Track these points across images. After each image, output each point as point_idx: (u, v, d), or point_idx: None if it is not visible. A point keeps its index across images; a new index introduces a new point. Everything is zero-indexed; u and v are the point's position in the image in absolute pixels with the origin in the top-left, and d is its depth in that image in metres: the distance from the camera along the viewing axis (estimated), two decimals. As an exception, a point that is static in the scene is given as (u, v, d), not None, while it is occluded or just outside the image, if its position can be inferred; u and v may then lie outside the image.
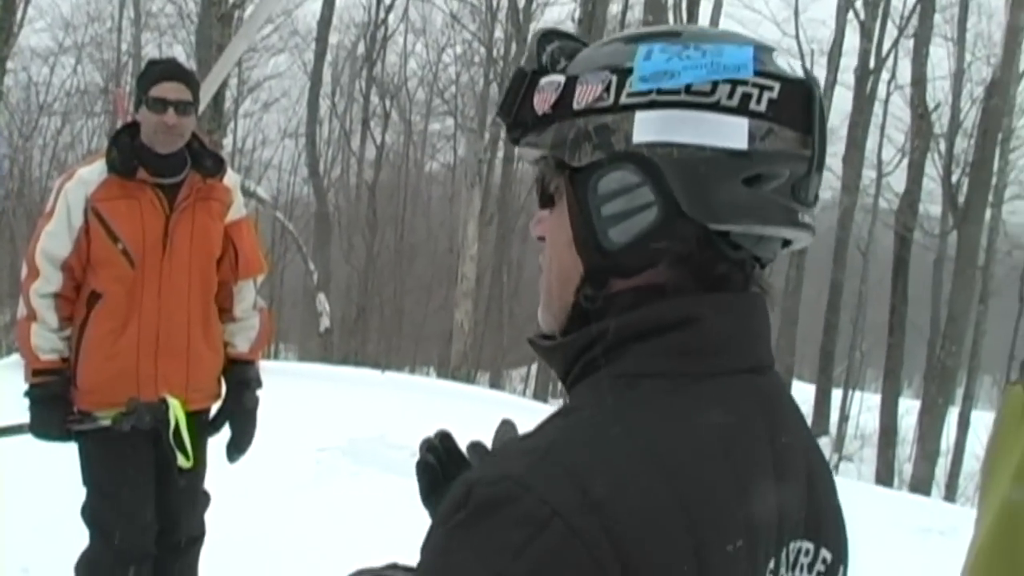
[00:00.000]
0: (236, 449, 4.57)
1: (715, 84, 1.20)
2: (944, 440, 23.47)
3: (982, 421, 22.74)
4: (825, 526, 1.32)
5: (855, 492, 12.05)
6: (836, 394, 31.36)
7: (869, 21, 29.08)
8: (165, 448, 4.32)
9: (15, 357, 11.59)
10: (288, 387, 10.77)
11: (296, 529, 6.64)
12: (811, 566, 1.29)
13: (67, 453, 4.38)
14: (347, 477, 8.11)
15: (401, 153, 39.24)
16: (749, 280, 1.28)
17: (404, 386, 14.73)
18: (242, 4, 21.24)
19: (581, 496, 1.07)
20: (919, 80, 24.97)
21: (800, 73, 1.26)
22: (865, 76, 29.26)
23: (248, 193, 22.21)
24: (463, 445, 1.68)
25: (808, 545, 1.29)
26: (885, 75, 30.33)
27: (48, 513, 5.79)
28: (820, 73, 30.31)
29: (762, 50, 1.25)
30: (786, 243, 1.32)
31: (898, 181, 28.71)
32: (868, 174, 30.93)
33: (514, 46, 33.23)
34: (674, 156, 1.20)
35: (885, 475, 24.26)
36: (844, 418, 30.52)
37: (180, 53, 30.34)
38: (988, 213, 25.28)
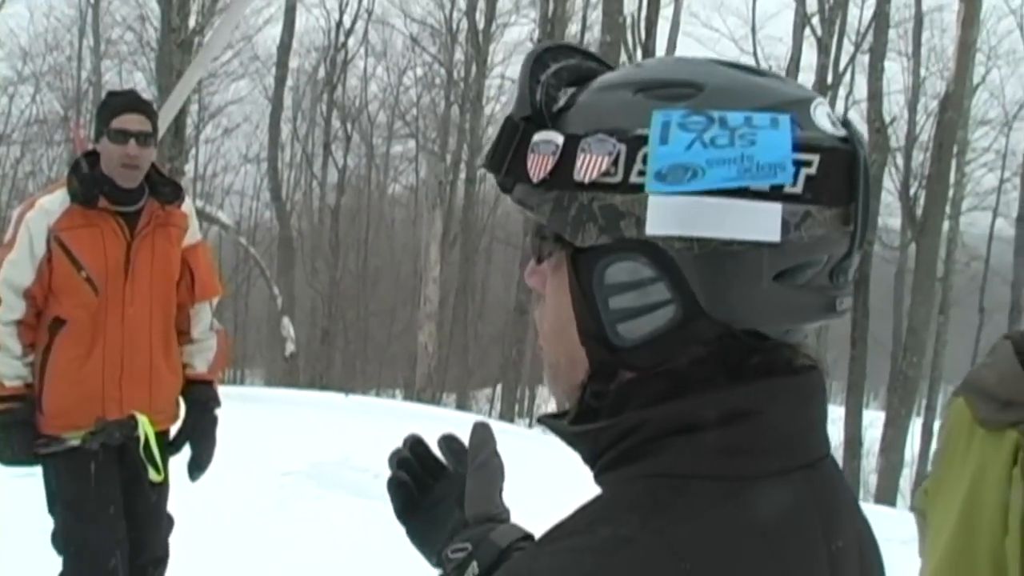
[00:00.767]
0: (197, 467, 4.63)
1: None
2: (908, 451, 23.63)
3: (945, 431, 22.96)
4: None
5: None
6: (801, 408, 31.52)
7: (826, 37, 29.33)
8: (135, 463, 4.39)
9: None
10: (253, 412, 10.77)
11: (260, 552, 6.65)
12: None
13: (30, 491, 4.39)
14: (311, 500, 8.11)
15: (363, 176, 39.28)
16: (794, 361, 1.11)
17: (369, 409, 14.73)
18: (201, 31, 21.25)
19: None
20: (875, 95, 25.13)
21: (841, 131, 1.07)
22: (823, 91, 29.45)
23: (210, 219, 22.18)
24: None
25: None
26: (843, 91, 30.68)
27: (17, 550, 5.77)
28: (778, 89, 30.62)
29: (800, 108, 1.06)
30: None
31: (859, 195, 28.94)
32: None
33: (474, 67, 33.34)
34: (694, 251, 1.02)
35: (851, 487, 24.40)
36: (809, 431, 30.67)
37: (140, 80, 30.33)
38: (946, 225, 25.51)
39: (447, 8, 35.79)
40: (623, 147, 1.04)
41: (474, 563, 1.43)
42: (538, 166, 1.08)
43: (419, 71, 38.26)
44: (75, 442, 4.28)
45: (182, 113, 17.98)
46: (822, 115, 1.06)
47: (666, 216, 1.02)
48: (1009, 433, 2.50)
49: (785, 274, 1.03)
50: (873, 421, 25.74)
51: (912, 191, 26.78)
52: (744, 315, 1.05)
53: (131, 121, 4.24)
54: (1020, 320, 25.40)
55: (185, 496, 4.67)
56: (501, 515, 1.49)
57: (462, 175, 32.82)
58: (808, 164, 1.02)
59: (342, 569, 6.37)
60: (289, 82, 33.55)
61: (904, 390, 23.17)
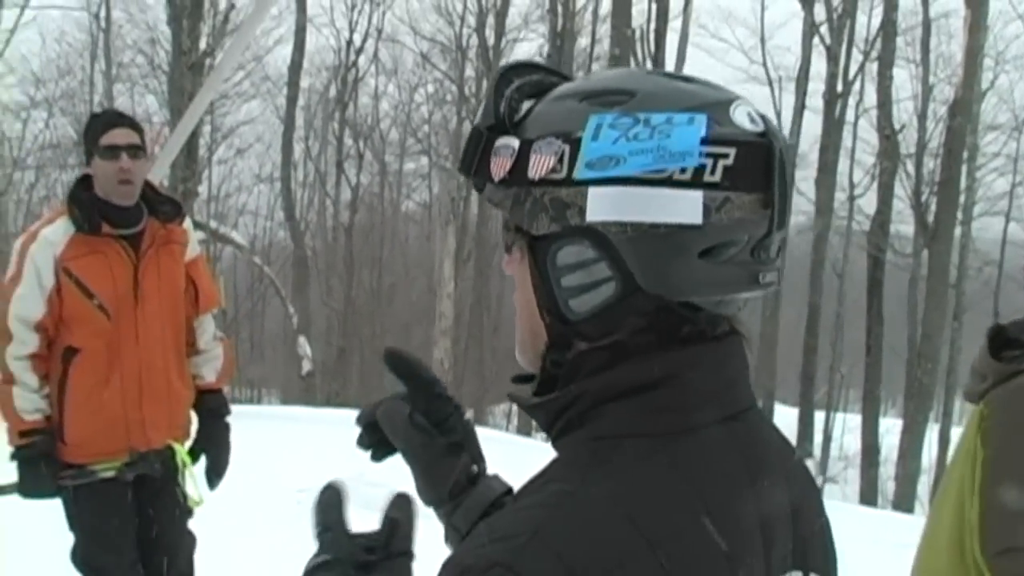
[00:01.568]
0: (216, 474, 4.67)
1: None
2: (925, 457, 23.60)
3: (962, 437, 22.88)
4: (812, 552, 1.35)
5: (840, 513, 12.11)
6: (819, 416, 31.45)
7: (835, 46, 29.36)
8: (174, 492, 4.47)
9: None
10: (270, 430, 10.84)
11: (278, 567, 6.69)
12: None
13: (47, 505, 4.44)
14: (328, 516, 8.15)
15: (376, 193, 39.31)
16: (717, 329, 1.27)
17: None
18: (212, 53, 21.38)
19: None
20: (884, 102, 25.19)
21: (760, 126, 1.22)
22: (833, 100, 29.51)
23: (225, 239, 22.31)
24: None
25: (797, 574, 1.32)
26: (852, 99, 30.64)
27: (39, 563, 5.84)
28: (788, 99, 30.70)
29: (719, 108, 1.22)
30: None
31: (869, 203, 28.95)
32: (840, 196, 31.17)
33: (485, 83, 33.41)
34: (628, 234, 1.19)
35: (869, 494, 24.38)
36: (827, 440, 30.62)
37: (152, 103, 30.52)
38: (958, 231, 25.48)
39: (457, 25, 35.91)
40: (567, 147, 1.21)
41: None
42: (499, 167, 1.27)
43: (430, 88, 38.36)
44: (108, 473, 4.31)
45: (194, 134, 18.12)
46: (742, 114, 1.22)
47: (602, 205, 1.19)
48: (979, 406, 2.63)
49: (710, 251, 1.19)
50: (890, 428, 25.71)
51: (923, 198, 26.77)
52: (675, 288, 1.21)
53: (119, 136, 4.25)
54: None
55: (203, 512, 4.73)
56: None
57: (475, 191, 32.85)
58: (725, 156, 1.18)
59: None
60: (301, 101, 33.69)
61: (920, 397, 23.17)
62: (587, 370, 1.25)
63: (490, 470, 1.64)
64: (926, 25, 28.71)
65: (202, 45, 20.83)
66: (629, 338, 1.23)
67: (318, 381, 27.17)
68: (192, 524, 4.71)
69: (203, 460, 4.69)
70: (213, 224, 22.61)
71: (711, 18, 35.26)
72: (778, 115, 31.76)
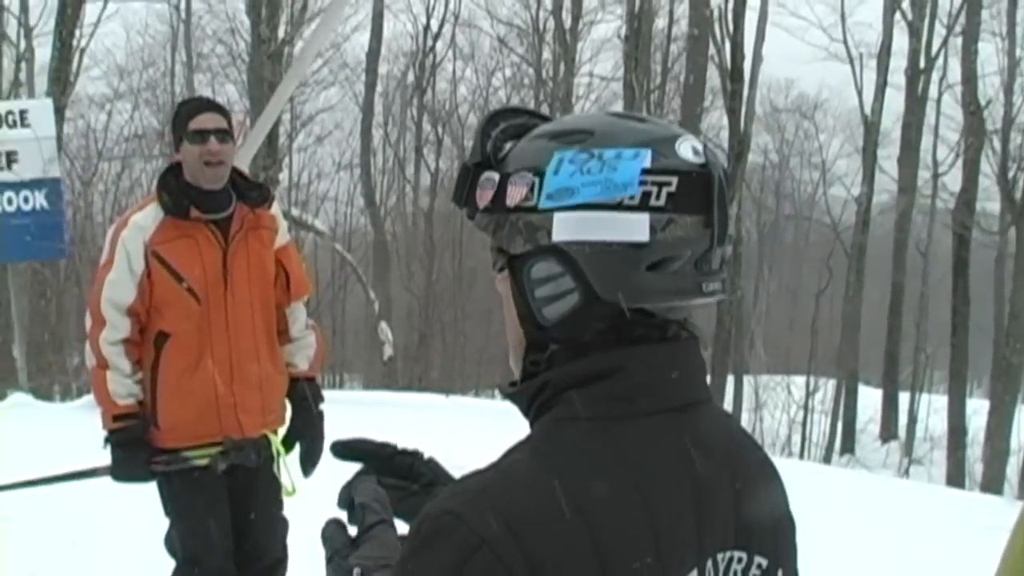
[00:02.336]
0: (310, 463, 4.67)
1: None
2: (1014, 438, 23.21)
3: (1052, 417, 22.53)
4: (760, 535, 1.50)
5: (926, 495, 11.99)
6: (904, 397, 31.11)
7: (917, 21, 28.96)
8: (268, 478, 4.51)
9: (85, 399, 11.87)
10: (353, 415, 10.91)
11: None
12: (745, 571, 1.48)
13: (144, 488, 4.51)
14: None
15: (455, 178, 39.41)
16: (667, 331, 1.47)
17: (469, 409, 14.82)
18: (291, 41, 21.53)
19: (505, 528, 1.31)
20: (969, 78, 24.77)
21: (702, 158, 1.42)
22: (916, 77, 29.12)
23: (306, 226, 22.48)
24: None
25: (740, 554, 1.47)
26: (935, 75, 30.21)
27: (131, 546, 5.95)
28: (869, 76, 30.26)
29: (665, 143, 1.42)
30: None
31: (954, 180, 28.50)
32: (923, 175, 30.77)
33: (562, 66, 33.37)
34: (587, 251, 1.40)
35: (956, 476, 24.04)
36: (912, 421, 30.25)
37: (232, 92, 30.79)
38: (1047, 207, 24.99)
39: (533, 8, 35.88)
40: (536, 180, 1.44)
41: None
42: (483, 197, 1.49)
43: (507, 72, 38.42)
44: (202, 462, 4.35)
45: (275, 123, 18.26)
46: (686, 148, 1.43)
47: (565, 227, 1.41)
48: None
49: (657, 265, 1.40)
50: (977, 409, 25.30)
51: (1011, 174, 26.25)
52: (628, 296, 1.40)
53: (207, 120, 4.29)
54: None
55: (293, 501, 4.77)
56: None
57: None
58: (668, 184, 1.39)
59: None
60: (379, 88, 33.91)
61: (1008, 377, 22.80)
62: (555, 365, 1.47)
63: None
64: (1011, -2, 28.18)
65: (281, 34, 20.96)
66: (591, 339, 1.45)
67: (400, 366, 27.33)
68: (284, 509, 4.74)
69: (296, 449, 4.72)
70: (295, 212, 22.77)
71: (790, -5, 34.78)
72: (859, 93, 31.41)
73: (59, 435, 9.34)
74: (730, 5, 24.14)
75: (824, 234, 39.90)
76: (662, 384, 1.44)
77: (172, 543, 4.50)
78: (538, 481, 1.36)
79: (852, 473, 16.95)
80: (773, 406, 27.67)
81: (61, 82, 19.02)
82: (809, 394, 28.79)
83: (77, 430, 8.89)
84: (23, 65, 28.35)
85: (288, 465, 4.59)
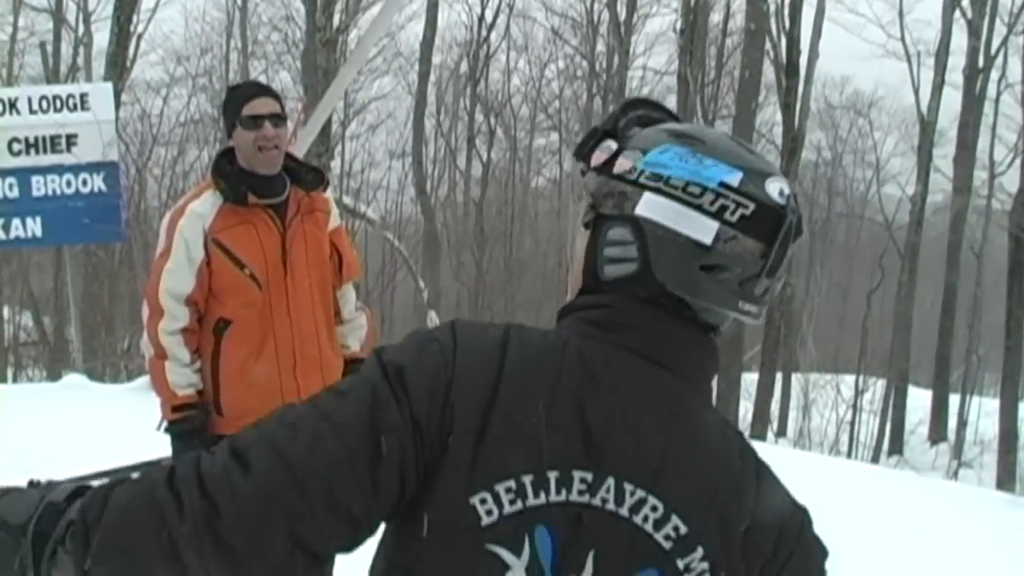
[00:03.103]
0: None
1: (704, 189, 1.60)
2: (1068, 443, 22.95)
3: (1105, 423, 22.26)
4: (678, 488, 1.57)
5: (975, 498, 11.90)
6: (954, 400, 30.82)
7: (977, 19, 28.64)
8: None
9: (139, 381, 11.99)
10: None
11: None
12: (658, 524, 1.56)
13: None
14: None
15: (507, 169, 39.41)
16: (687, 318, 1.66)
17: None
18: (346, 29, 21.62)
19: (454, 343, 1.59)
20: (1029, 78, 24.50)
21: (784, 200, 1.62)
22: (974, 75, 28.82)
23: (357, 214, 22.55)
24: None
25: (655, 501, 1.55)
26: (995, 73, 29.85)
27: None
28: (927, 75, 29.94)
29: (757, 175, 1.62)
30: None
31: (1011, 181, 28.18)
32: (980, 175, 30.47)
33: (616, 59, 33.29)
34: (659, 233, 1.61)
35: (1006, 480, 23.80)
36: (963, 424, 29.95)
37: (286, 79, 30.94)
38: (1106, 210, 24.68)
39: (588, 0, 35.81)
40: (642, 157, 1.64)
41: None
42: (598, 158, 1.69)
43: (561, 64, 38.36)
44: None
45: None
46: (774, 186, 1.62)
47: (650, 205, 1.62)
48: None
49: (709, 268, 1.60)
50: (1030, 413, 25.03)
51: (1069, 176, 25.96)
52: (674, 283, 1.62)
53: (261, 105, 4.29)
54: None
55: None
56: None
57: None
58: (746, 206, 1.59)
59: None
60: (432, 77, 33.89)
61: (1062, 381, 22.54)
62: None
63: None
64: (1074, -3, 27.81)
65: (336, 22, 21.04)
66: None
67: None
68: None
69: None
70: (347, 200, 22.84)
71: (848, -9, 34.42)
72: (915, 91, 31.08)
73: (115, 417, 9.46)
74: (787, 0, 24.01)
75: (876, 233, 39.58)
76: (640, 332, 1.64)
77: None
78: (497, 328, 1.64)
79: (900, 474, 16.83)
80: (822, 404, 27.46)
81: (118, 67, 19.23)
82: (858, 394, 28.54)
83: (133, 412, 9.01)
84: (81, 49, 28.68)
85: None
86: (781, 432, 29.62)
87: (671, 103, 34.09)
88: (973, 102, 28.78)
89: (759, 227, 1.60)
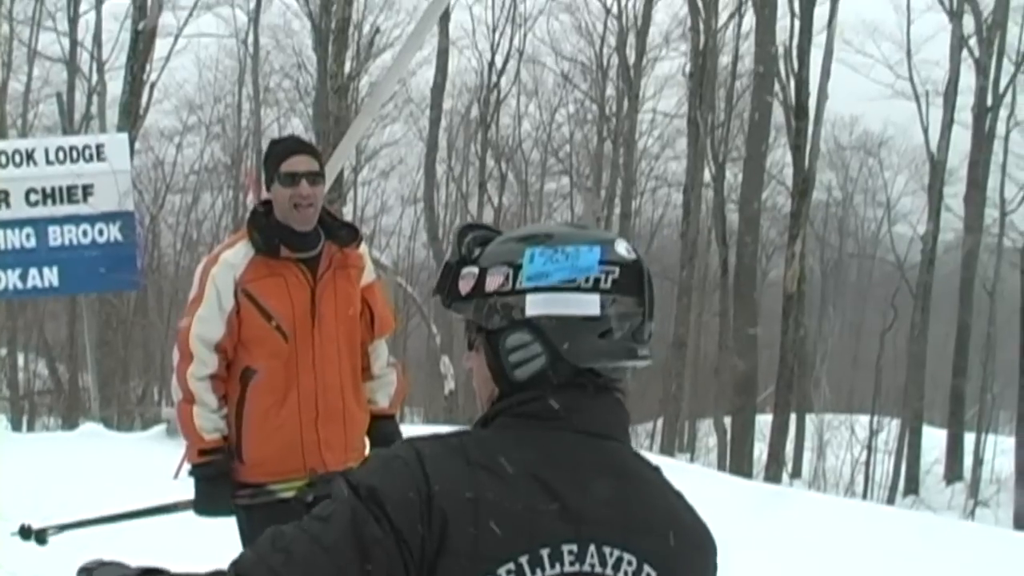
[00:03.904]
0: None
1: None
2: (1084, 481, 22.83)
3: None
4: (642, 542, 1.81)
5: (992, 538, 11.83)
6: (969, 438, 30.70)
7: (984, 58, 28.77)
8: None
9: (155, 430, 12.03)
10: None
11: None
12: (637, 573, 1.80)
13: (222, 523, 4.57)
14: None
15: (518, 214, 39.47)
16: (600, 388, 1.88)
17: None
18: (358, 76, 21.80)
19: (418, 457, 1.75)
20: (1038, 116, 24.56)
21: (633, 255, 1.88)
22: (983, 114, 28.91)
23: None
24: None
25: (629, 556, 1.79)
26: (1003, 112, 29.94)
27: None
28: (936, 114, 30.01)
29: (608, 243, 1.87)
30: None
31: (1022, 218, 28.21)
32: (991, 213, 30.48)
33: (626, 102, 33.45)
34: (552, 323, 1.83)
35: (1024, 519, 23.67)
36: (978, 462, 29.84)
37: (298, 126, 31.22)
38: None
39: (597, 44, 36.03)
40: (511, 270, 1.86)
41: None
42: (466, 286, 1.91)
43: (571, 108, 38.53)
44: (288, 494, 4.30)
45: (342, 158, 18.45)
46: (621, 248, 1.88)
47: (536, 304, 1.84)
48: None
49: (605, 334, 1.84)
50: (1046, 451, 24.91)
51: (1079, 214, 25.99)
52: (587, 358, 1.84)
53: (299, 163, 4.33)
54: None
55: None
56: None
57: (617, 210, 32.91)
58: (613, 272, 1.84)
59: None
60: (443, 123, 34.01)
61: (1077, 419, 22.44)
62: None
63: None
64: (1081, 36, 27.92)
65: (347, 69, 21.22)
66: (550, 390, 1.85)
67: (460, 400, 27.36)
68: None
69: None
70: (359, 245, 22.98)
71: (856, 33, 34.42)
72: (925, 130, 31.15)
73: (132, 465, 9.48)
74: (795, 42, 24.14)
75: (888, 272, 39.55)
76: (574, 413, 1.85)
77: None
78: (451, 436, 1.82)
79: (916, 515, 16.76)
80: (837, 445, 27.39)
81: (131, 115, 19.35)
82: (873, 434, 28.45)
83: (150, 460, 9.02)
84: (95, 98, 28.92)
85: None
86: (796, 473, 29.52)
87: (681, 146, 34.27)
88: (982, 140, 28.86)
89: (628, 284, 1.85)
